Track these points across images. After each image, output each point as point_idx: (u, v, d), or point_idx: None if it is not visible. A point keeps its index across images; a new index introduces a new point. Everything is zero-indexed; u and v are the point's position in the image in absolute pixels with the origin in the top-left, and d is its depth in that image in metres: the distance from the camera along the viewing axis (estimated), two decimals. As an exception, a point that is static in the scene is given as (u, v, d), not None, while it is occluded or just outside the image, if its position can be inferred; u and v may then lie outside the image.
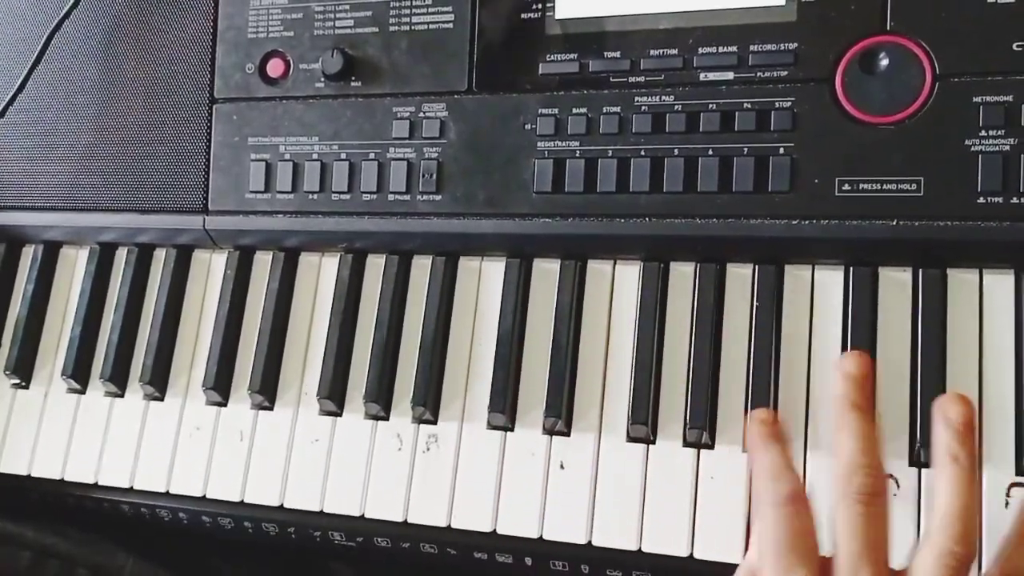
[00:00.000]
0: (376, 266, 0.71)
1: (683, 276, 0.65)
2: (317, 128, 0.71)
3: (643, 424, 0.62)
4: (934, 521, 0.49)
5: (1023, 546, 0.50)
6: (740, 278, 0.64)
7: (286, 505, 0.68)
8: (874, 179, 0.60)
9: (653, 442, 0.63)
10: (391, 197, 0.69)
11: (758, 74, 0.62)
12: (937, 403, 0.52)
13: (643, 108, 0.64)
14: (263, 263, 0.74)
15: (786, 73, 0.62)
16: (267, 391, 0.71)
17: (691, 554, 0.60)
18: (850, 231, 0.60)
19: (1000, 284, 0.60)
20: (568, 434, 0.64)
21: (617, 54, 0.65)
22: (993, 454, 0.57)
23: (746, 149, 0.62)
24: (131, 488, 0.72)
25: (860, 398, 0.53)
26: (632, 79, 0.65)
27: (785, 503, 0.50)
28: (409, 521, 0.66)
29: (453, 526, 0.65)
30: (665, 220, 0.63)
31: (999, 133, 0.58)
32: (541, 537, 0.63)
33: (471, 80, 0.68)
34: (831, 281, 0.62)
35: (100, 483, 0.73)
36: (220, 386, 0.72)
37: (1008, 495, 0.56)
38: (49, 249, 0.80)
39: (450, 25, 0.69)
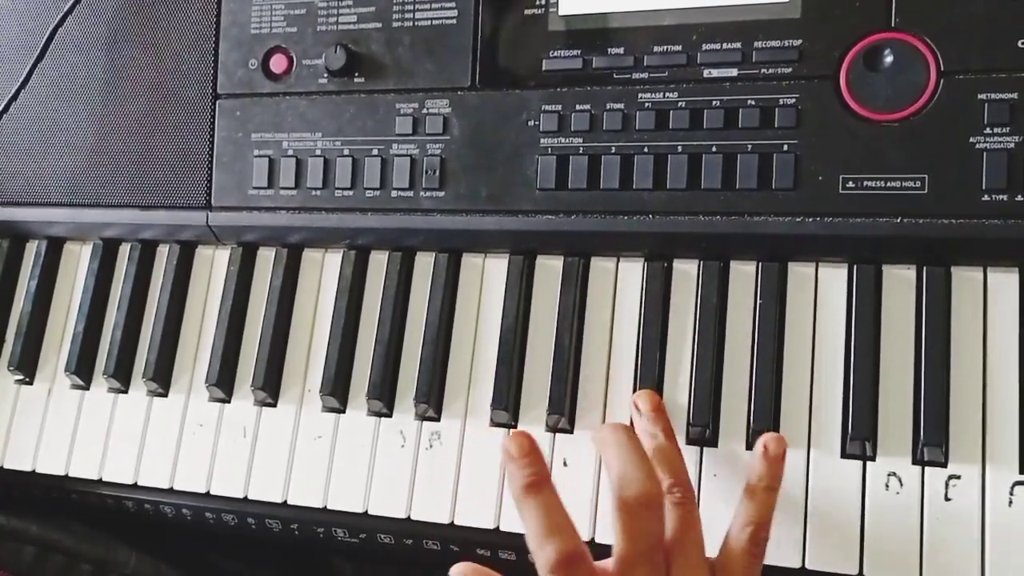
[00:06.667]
0: (379, 262, 0.71)
1: (686, 274, 0.65)
2: (320, 124, 0.71)
3: (646, 421, 0.62)
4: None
5: (748, 500, 0.56)
6: (744, 275, 0.64)
7: (289, 502, 0.69)
8: (878, 176, 0.60)
9: (656, 439, 0.63)
10: (394, 193, 0.69)
11: (762, 71, 0.62)
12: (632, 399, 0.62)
13: (647, 105, 0.64)
14: (266, 259, 0.74)
15: (790, 70, 0.62)
16: (270, 388, 0.71)
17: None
18: (854, 228, 0.60)
19: (1004, 282, 0.59)
20: (571, 431, 0.64)
21: (621, 50, 0.65)
22: (996, 453, 0.57)
23: (750, 146, 0.62)
24: (135, 484, 0.72)
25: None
26: (636, 76, 0.65)
27: (568, 560, 0.51)
28: (412, 518, 0.66)
29: (456, 523, 0.65)
30: (668, 217, 0.63)
31: (1004, 130, 0.58)
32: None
33: (474, 76, 0.68)
34: (835, 279, 0.62)
35: (104, 479, 0.73)
36: (223, 383, 0.72)
37: (1011, 494, 0.56)
38: (52, 245, 0.80)
39: (453, 21, 0.69)
